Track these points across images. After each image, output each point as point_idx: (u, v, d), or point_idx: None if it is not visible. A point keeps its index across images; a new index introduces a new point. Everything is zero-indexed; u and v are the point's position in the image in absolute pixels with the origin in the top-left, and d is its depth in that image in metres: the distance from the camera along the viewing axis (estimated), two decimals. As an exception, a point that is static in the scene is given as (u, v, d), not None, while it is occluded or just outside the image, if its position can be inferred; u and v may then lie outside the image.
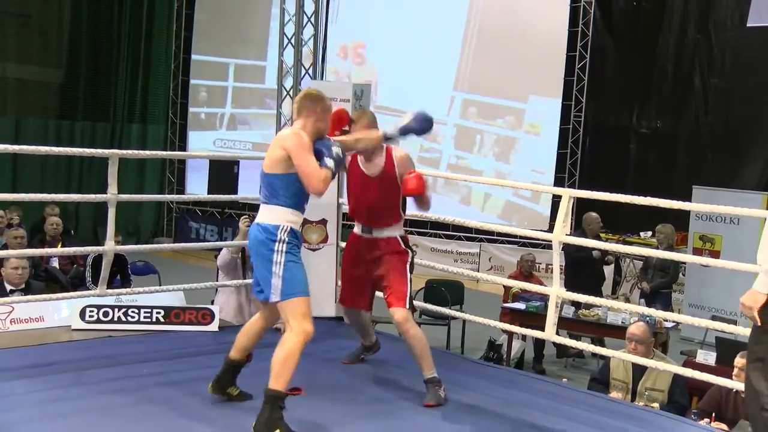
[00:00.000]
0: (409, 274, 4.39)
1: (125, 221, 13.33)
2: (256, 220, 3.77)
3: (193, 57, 14.87)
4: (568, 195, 4.51)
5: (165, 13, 14.86)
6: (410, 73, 13.04)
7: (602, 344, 6.84)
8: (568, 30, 12.58)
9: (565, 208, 4.40)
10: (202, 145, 14.80)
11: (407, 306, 4.28)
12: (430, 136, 13.27)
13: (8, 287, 5.86)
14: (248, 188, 13.38)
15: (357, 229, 4.55)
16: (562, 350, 7.89)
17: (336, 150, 3.76)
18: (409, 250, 4.46)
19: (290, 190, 3.70)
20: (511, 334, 7.05)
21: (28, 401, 3.94)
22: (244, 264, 5.66)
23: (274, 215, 3.72)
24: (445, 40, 13.31)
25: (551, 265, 5.09)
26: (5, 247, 7.30)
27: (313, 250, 5.54)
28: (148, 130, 14.71)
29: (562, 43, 12.58)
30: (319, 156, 3.71)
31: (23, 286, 5.92)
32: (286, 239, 3.68)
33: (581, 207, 8.60)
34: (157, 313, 5.26)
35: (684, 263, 9.07)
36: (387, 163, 4.40)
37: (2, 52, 13.84)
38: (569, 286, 5.05)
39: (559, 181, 12.52)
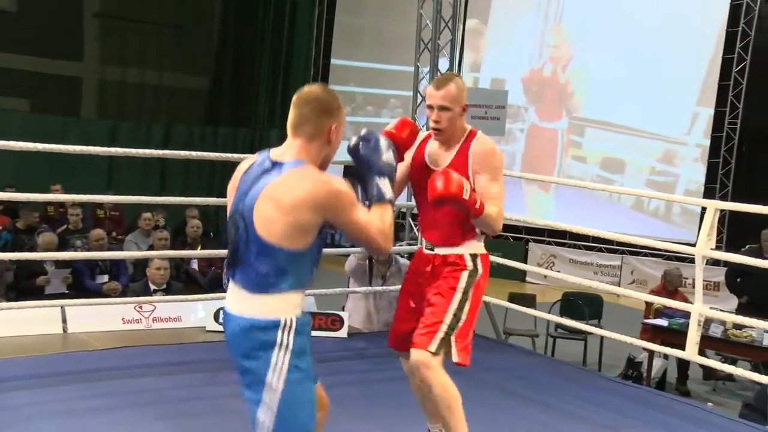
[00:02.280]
0: (458, 299, 3.10)
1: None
2: (234, 310, 2.38)
3: (333, 62, 15.06)
4: (714, 207, 4.26)
5: (306, 20, 15.19)
6: (627, 82, 12.19)
7: (764, 370, 6.33)
8: (726, 30, 11.85)
9: (710, 221, 4.13)
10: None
11: (433, 346, 3.02)
12: (665, 158, 12.67)
13: (152, 287, 6.10)
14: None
15: (421, 242, 3.31)
16: (709, 372, 7.39)
17: (387, 153, 2.50)
18: (476, 269, 3.16)
19: (302, 265, 2.34)
20: (652, 352, 6.67)
21: (164, 397, 4.06)
22: (371, 271, 5.62)
23: (270, 305, 2.33)
24: (688, 45, 12.02)
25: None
26: (151, 248, 7.61)
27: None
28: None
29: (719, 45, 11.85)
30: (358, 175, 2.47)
31: (165, 286, 6.14)
32: (291, 343, 2.32)
33: (745, 221, 7.97)
34: (289, 317, 5.30)
35: None
36: (459, 154, 3.14)
37: (159, 61, 14.64)
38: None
39: (709, 192, 11.82)
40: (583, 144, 13.15)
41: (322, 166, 2.42)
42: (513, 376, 4.90)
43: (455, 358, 3.06)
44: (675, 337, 6.28)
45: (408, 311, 3.27)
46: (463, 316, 3.10)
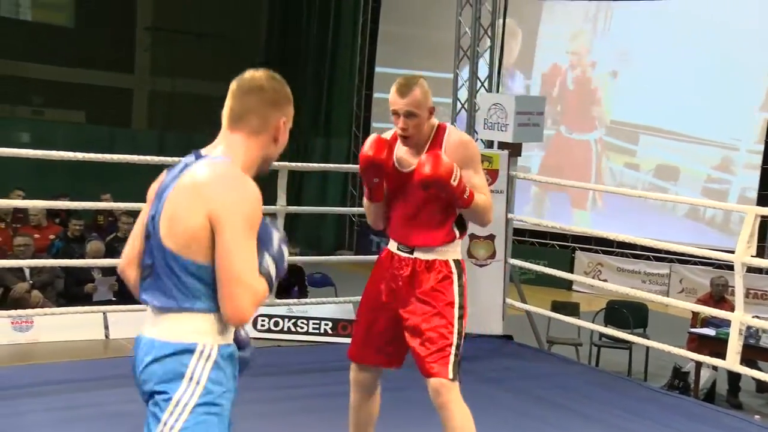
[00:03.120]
0: (457, 315, 3.01)
1: (306, 234, 13.72)
2: (148, 333, 1.95)
3: (377, 70, 15.12)
4: (754, 213, 4.14)
5: (350, 28, 15.26)
6: (683, 88, 11.78)
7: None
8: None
9: (749, 228, 4.03)
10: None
11: (450, 372, 2.95)
12: (720, 164, 12.14)
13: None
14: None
15: (392, 245, 3.16)
16: (762, 384, 7.16)
17: (277, 240, 1.98)
18: (461, 276, 3.08)
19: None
20: (699, 362, 6.52)
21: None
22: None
23: (182, 327, 1.89)
24: (750, 50, 11.48)
25: (751, 288, 4.67)
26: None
27: (480, 266, 5.38)
28: (332, 144, 15.12)
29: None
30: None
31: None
32: (204, 376, 1.88)
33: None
34: (326, 324, 5.33)
35: None
36: (432, 151, 3.00)
37: (205, 70, 14.89)
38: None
39: (763, 199, 11.49)
40: (637, 151, 12.89)
41: (262, 167, 2.04)
42: (554, 385, 4.83)
43: (451, 372, 2.97)
44: (722, 346, 6.11)
45: (377, 320, 3.13)
46: (464, 332, 3.03)
